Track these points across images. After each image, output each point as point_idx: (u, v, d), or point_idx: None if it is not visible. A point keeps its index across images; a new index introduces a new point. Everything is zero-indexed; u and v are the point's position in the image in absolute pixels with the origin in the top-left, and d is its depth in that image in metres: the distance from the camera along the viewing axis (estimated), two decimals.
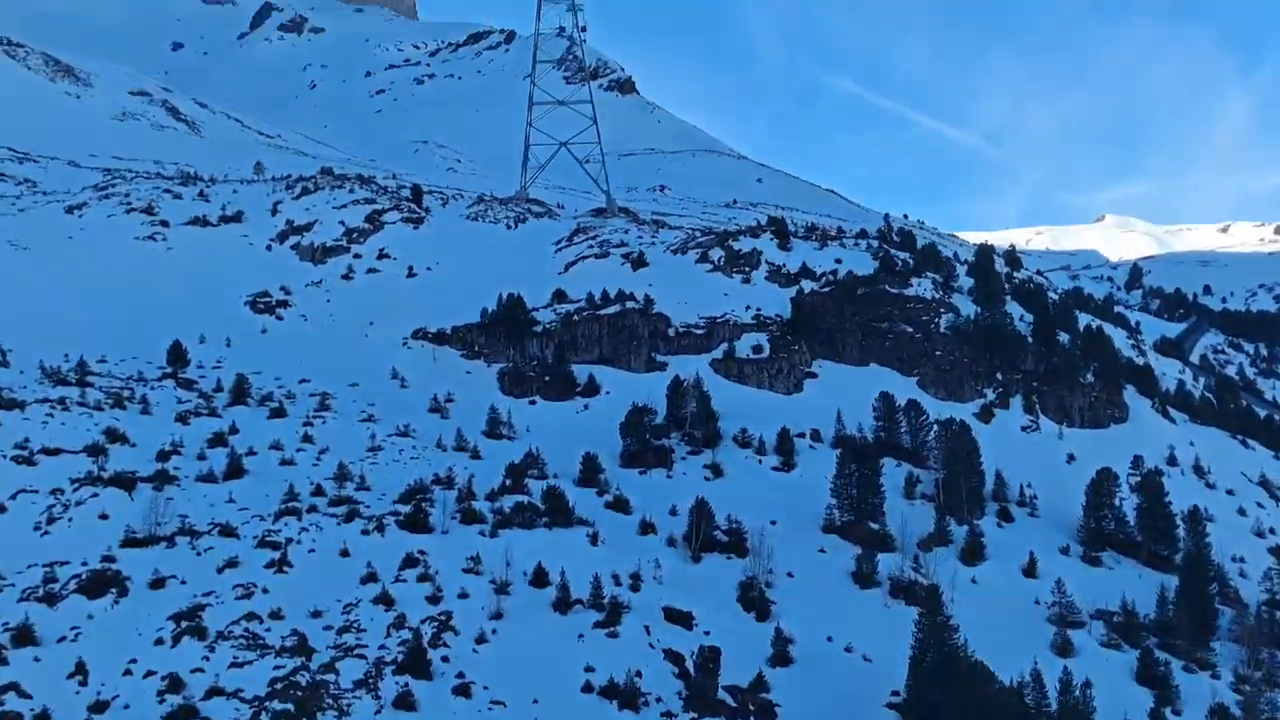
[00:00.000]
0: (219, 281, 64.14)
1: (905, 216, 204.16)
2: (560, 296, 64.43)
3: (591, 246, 68.91)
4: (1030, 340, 66.89)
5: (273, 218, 68.67)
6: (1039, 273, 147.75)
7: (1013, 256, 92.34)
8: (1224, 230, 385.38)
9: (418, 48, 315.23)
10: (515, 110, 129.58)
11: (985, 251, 78.71)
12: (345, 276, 63.60)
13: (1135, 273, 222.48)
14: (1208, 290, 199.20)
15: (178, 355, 54.27)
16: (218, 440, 44.85)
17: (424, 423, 51.65)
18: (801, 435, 53.90)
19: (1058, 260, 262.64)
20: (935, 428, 53.25)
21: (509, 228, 73.39)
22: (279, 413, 50.32)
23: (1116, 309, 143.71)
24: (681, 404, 53.54)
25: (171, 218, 68.73)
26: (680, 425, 53.14)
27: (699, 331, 62.80)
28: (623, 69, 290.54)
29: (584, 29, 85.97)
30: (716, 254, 68.31)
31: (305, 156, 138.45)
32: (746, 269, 68.29)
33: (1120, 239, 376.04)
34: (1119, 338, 79.90)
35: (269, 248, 66.95)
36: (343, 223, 67.47)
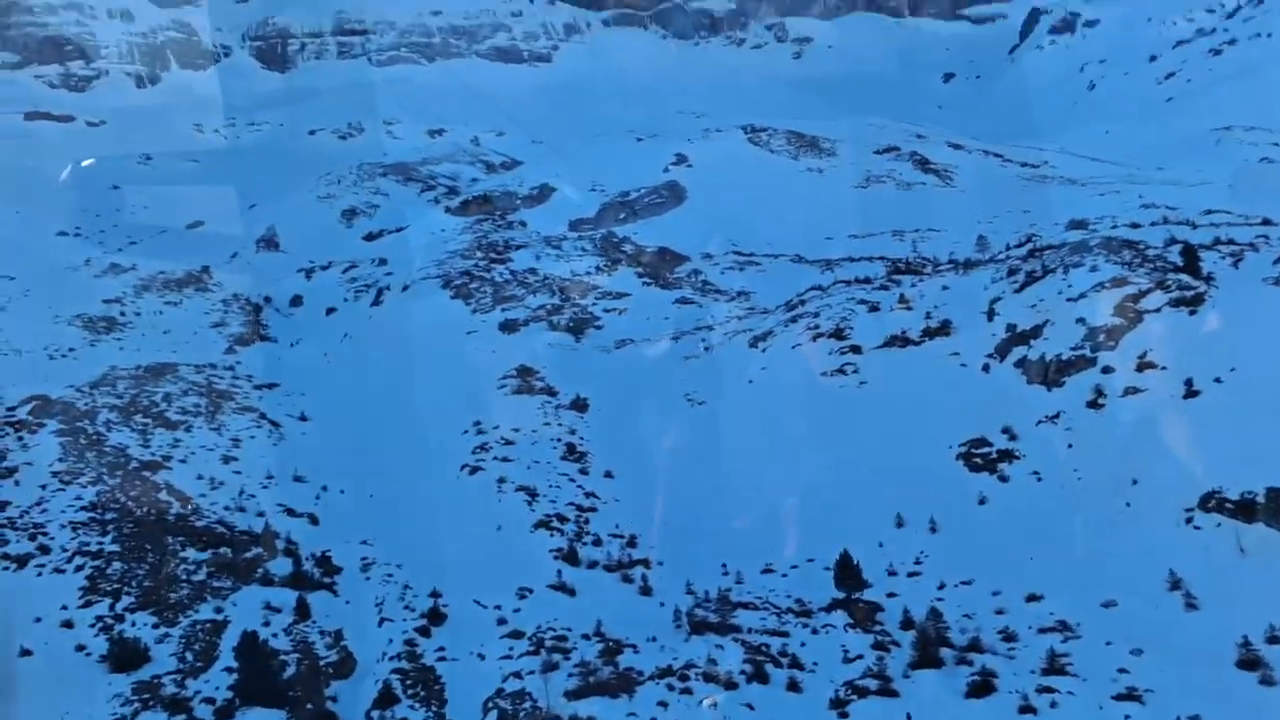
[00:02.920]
0: (922, 423, 49.54)
1: None
2: None
3: None
4: None
5: (989, 323, 51.95)
6: None
7: None
8: None
9: (1211, 12, 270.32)
10: None
11: None
12: (1092, 404, 44.20)
13: None
14: None
15: (847, 572, 38.34)
16: None
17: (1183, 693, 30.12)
18: None
19: None
20: None
21: None
22: (982, 689, 31.21)
23: None
24: None
25: (866, 339, 55.69)
26: None
27: None
28: None
29: None
30: None
31: (1072, 185, 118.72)
32: None
33: None
34: None
35: (986, 367, 50.25)
36: (1082, 320, 48.02)
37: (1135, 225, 62.75)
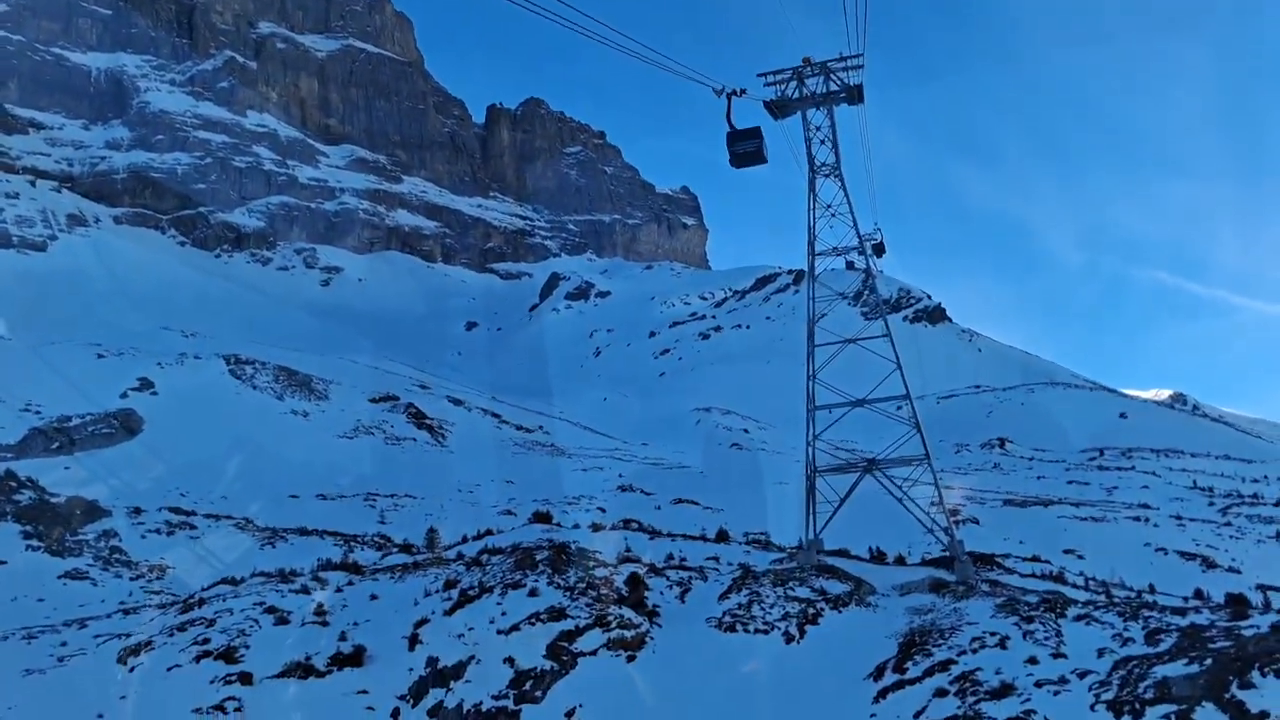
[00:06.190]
0: None
1: None
2: None
3: (942, 689, 38.71)
4: None
5: (410, 652, 43.66)
6: None
7: None
8: None
9: (704, 299, 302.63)
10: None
11: None
12: None
13: None
14: None
15: None
16: None
17: None
18: None
19: None
20: None
21: (788, 639, 44.29)
22: None
23: None
24: None
25: (262, 663, 44.94)
26: None
27: None
28: (929, 295, 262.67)
29: (880, 247, 55.97)
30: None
31: (561, 457, 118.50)
32: None
33: None
34: None
35: (395, 714, 41.27)
36: (511, 660, 41.10)
37: (597, 527, 57.93)
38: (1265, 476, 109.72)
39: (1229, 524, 76.69)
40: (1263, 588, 49.88)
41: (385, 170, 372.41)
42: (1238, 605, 34.31)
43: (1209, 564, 61.96)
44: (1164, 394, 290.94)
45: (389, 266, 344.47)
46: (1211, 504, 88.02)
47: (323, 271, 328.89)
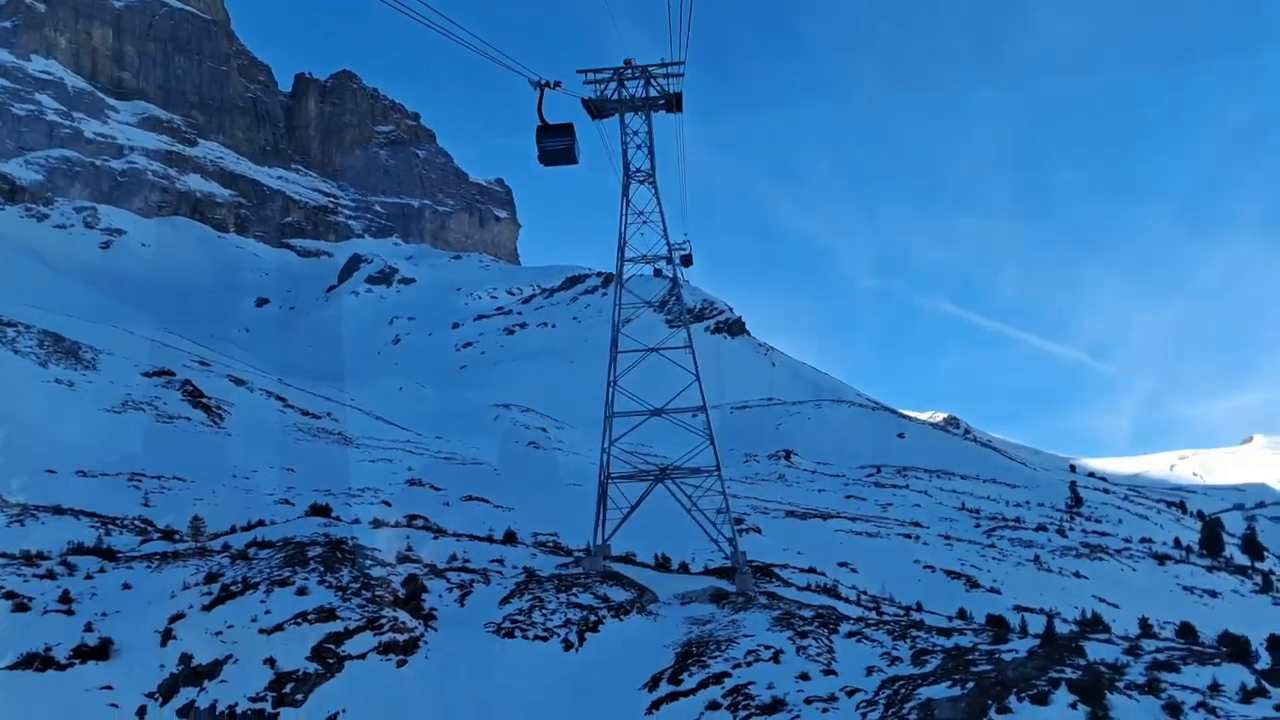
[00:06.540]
0: None
1: (1089, 474, 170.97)
2: None
3: (715, 702, 38.54)
4: None
5: (162, 648, 40.72)
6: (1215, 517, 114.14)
7: None
8: None
9: (512, 294, 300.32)
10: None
11: None
12: None
13: None
14: None
15: None
16: None
17: None
18: None
19: (1226, 497, 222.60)
20: None
21: (567, 646, 43.36)
22: None
23: None
24: None
25: None
26: None
27: None
28: (730, 308, 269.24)
29: (688, 258, 56.46)
30: None
31: (349, 446, 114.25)
32: None
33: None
34: None
35: (142, 712, 38.40)
36: (272, 661, 38.76)
37: (378, 524, 55.92)
38: (1027, 502, 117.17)
39: (992, 545, 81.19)
40: (1020, 609, 52.70)
41: (180, 132, 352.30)
42: (998, 628, 35.79)
43: (972, 584, 65.14)
44: (939, 416, 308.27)
45: (177, 233, 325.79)
46: (977, 525, 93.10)
47: (104, 233, 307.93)
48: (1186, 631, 35.61)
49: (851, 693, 29.42)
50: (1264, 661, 22.33)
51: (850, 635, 36.65)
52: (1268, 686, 19.88)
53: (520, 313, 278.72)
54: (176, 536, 55.91)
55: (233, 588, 43.36)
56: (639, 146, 47.85)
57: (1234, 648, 22.66)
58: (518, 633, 40.61)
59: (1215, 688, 21.09)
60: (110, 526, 62.37)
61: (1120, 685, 22.12)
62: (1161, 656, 24.11)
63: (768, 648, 35.78)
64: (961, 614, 47.83)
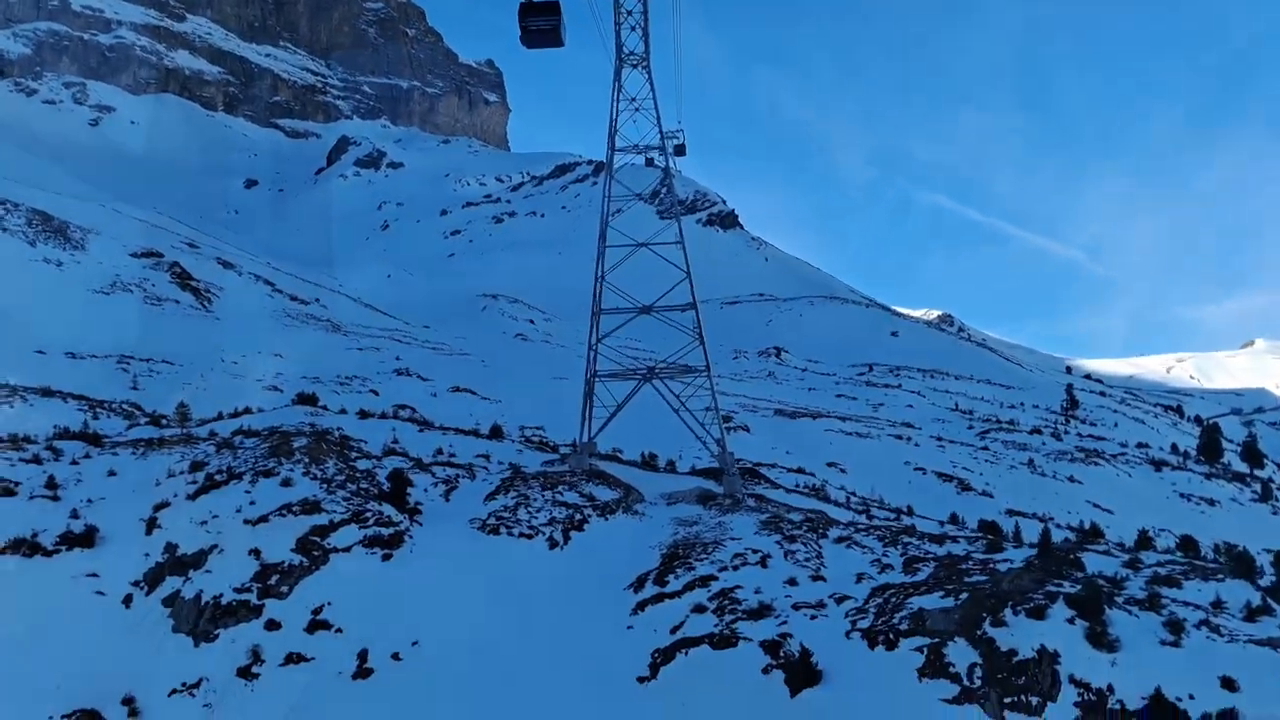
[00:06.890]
0: (16, 684, 35.86)
1: (1085, 375, 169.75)
2: None
3: (701, 605, 38.22)
4: None
5: (147, 536, 40.42)
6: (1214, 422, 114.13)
7: None
8: None
9: (501, 181, 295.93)
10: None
11: None
12: (244, 672, 34.30)
13: None
14: None
15: None
16: None
17: None
18: None
19: (1224, 402, 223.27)
20: None
21: (552, 544, 42.94)
22: None
23: None
24: None
25: None
26: None
27: None
28: (723, 200, 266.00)
29: (682, 148, 54.46)
30: (961, 655, 34.18)
31: (335, 332, 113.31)
32: (1031, 698, 27.69)
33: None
34: None
35: (128, 599, 38.38)
36: (257, 552, 38.48)
37: (365, 415, 55.23)
38: (1021, 403, 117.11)
39: (986, 448, 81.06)
40: (1013, 513, 52.64)
41: (168, 6, 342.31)
42: (993, 535, 35.38)
43: (964, 486, 65.04)
44: (933, 314, 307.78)
45: (165, 111, 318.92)
46: (971, 427, 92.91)
47: (93, 109, 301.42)
48: (1188, 545, 35.30)
49: (841, 600, 29.14)
50: (1269, 577, 21.91)
51: (840, 540, 36.39)
52: (1273, 604, 19.52)
53: (509, 201, 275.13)
54: (164, 422, 55.30)
55: (217, 477, 42.96)
56: (633, 28, 45.86)
57: (1238, 562, 22.26)
58: (503, 529, 40.31)
59: (1218, 604, 20.72)
60: (99, 410, 61.86)
61: (1119, 600, 21.75)
62: (1162, 570, 23.71)
63: (755, 551, 35.51)
64: (954, 518, 47.73)
